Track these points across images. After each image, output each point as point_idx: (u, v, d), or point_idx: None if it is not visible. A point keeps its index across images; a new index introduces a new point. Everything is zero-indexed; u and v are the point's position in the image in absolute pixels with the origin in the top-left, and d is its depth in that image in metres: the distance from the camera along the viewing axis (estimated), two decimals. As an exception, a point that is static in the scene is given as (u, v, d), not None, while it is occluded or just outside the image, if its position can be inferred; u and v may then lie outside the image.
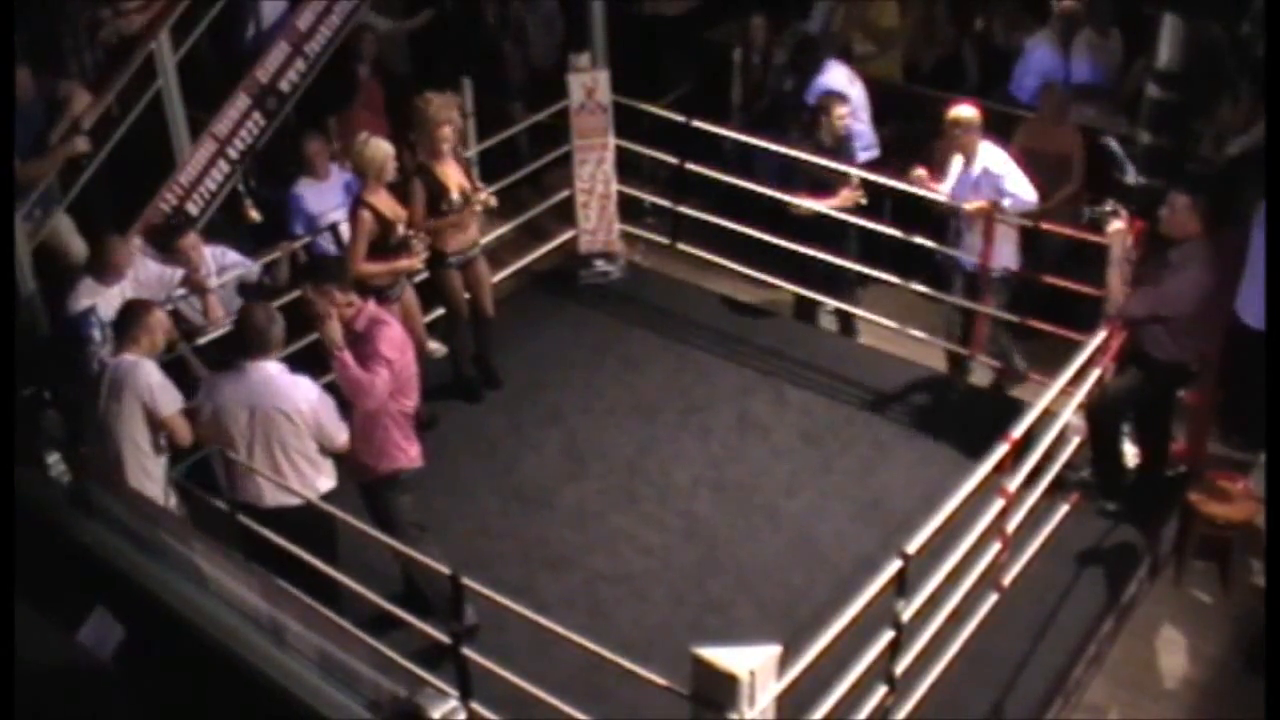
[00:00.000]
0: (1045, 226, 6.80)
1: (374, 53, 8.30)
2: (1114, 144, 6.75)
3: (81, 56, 7.26)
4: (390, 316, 5.69)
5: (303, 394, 5.30)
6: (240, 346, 5.36)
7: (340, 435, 5.41)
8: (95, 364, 5.51)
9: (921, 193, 7.03)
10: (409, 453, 5.60)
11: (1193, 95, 6.34)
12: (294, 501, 5.34)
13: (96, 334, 6.00)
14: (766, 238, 7.77)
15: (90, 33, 7.26)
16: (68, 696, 4.18)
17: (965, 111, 6.80)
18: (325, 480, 5.46)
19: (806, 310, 8.01)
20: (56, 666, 4.29)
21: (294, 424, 5.25)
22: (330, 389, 5.53)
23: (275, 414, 5.23)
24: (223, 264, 6.74)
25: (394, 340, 5.44)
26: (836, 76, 8.10)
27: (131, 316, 5.50)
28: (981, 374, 7.34)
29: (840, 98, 7.57)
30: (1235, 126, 7.31)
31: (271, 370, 5.30)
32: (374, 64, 8.36)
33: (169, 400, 5.41)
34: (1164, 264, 5.93)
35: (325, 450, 5.42)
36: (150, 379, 5.37)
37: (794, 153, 7.52)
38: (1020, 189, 6.69)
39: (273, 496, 5.36)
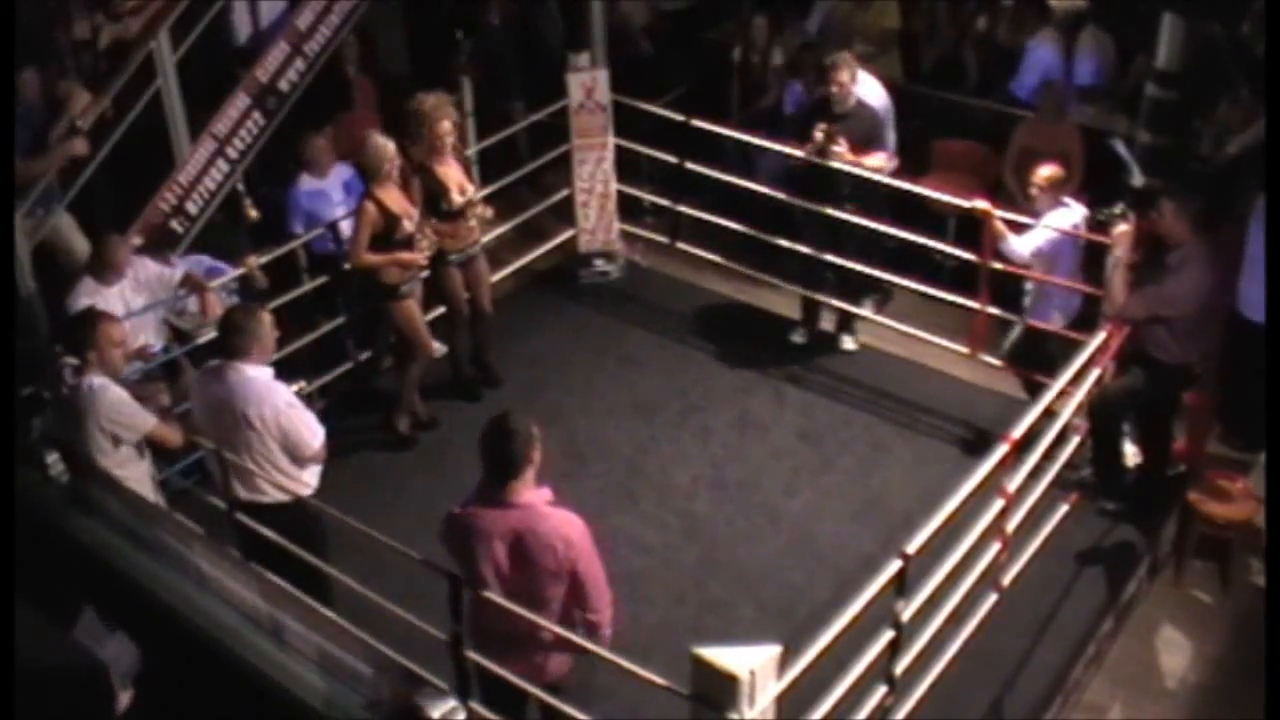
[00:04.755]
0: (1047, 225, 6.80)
1: (358, 54, 8.30)
2: (1120, 146, 6.73)
3: (80, 56, 7.26)
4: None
5: (271, 401, 5.15)
6: (221, 347, 5.31)
7: (313, 442, 5.26)
8: (62, 385, 5.31)
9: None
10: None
11: (1193, 95, 6.34)
12: (265, 499, 5.30)
13: None
14: (765, 238, 7.78)
15: (89, 33, 7.26)
16: (67, 695, 4.17)
17: (1047, 171, 6.68)
18: (298, 484, 5.33)
19: (811, 314, 7.88)
20: (56, 666, 4.29)
21: (256, 429, 5.15)
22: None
23: (240, 417, 5.14)
24: (200, 273, 6.70)
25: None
26: (865, 84, 7.78)
27: (81, 333, 5.26)
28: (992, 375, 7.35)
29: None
30: (1235, 126, 7.31)
31: (248, 373, 5.17)
32: (361, 64, 8.38)
33: (140, 419, 5.29)
34: (1163, 266, 5.94)
35: (297, 460, 5.29)
36: (114, 408, 5.18)
37: (794, 152, 7.51)
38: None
39: (246, 492, 5.32)
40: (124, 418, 5.23)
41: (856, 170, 7.24)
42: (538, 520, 4.36)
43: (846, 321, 7.80)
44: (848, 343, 7.78)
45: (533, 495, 4.42)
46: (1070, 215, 6.56)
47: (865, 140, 7.27)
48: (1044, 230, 6.53)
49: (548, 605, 4.48)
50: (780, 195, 7.67)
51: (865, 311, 7.79)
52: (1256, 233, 6.20)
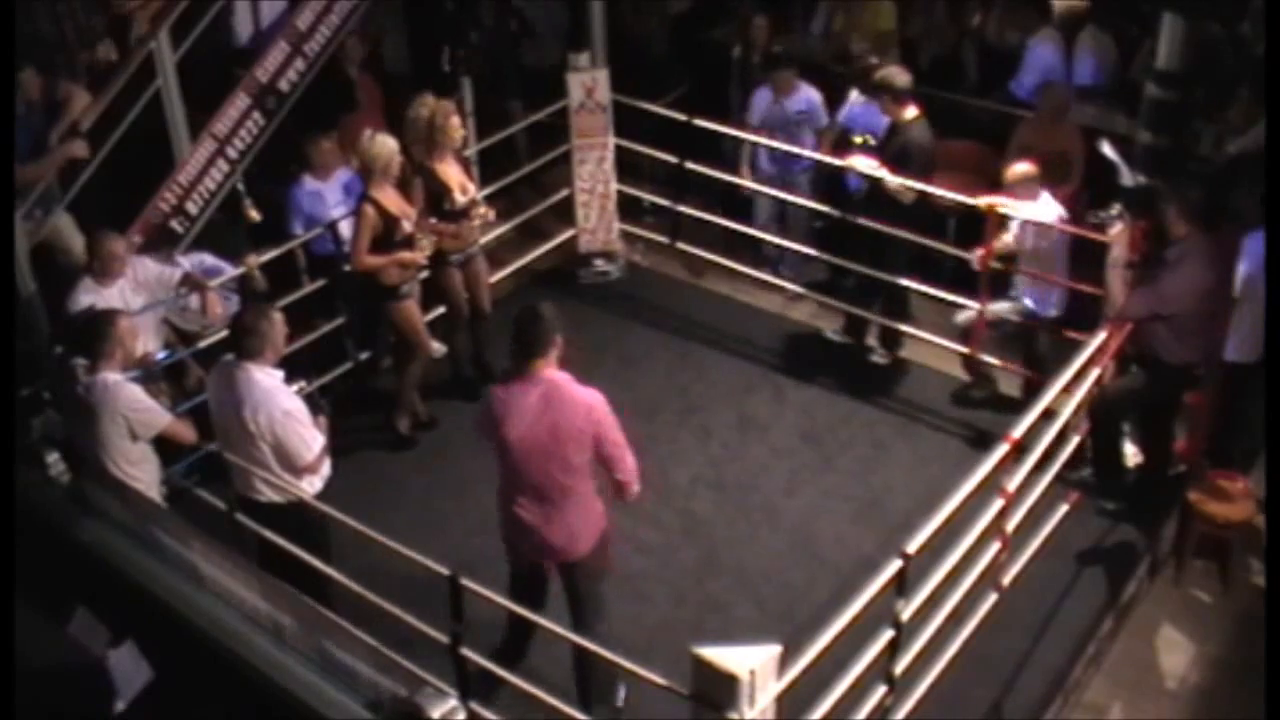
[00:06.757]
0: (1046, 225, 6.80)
1: (361, 54, 8.30)
2: (1107, 148, 6.73)
3: (77, 57, 7.26)
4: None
5: (269, 407, 5.13)
6: (234, 347, 5.32)
7: (306, 455, 5.23)
8: (76, 384, 5.33)
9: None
10: None
11: (1193, 95, 6.35)
12: (260, 499, 5.30)
13: None
14: (766, 238, 7.77)
15: (90, 34, 7.27)
16: (67, 694, 4.18)
17: (1018, 168, 6.71)
18: (293, 487, 5.31)
19: (857, 329, 7.76)
20: (56, 665, 4.29)
21: (250, 432, 5.15)
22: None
23: (238, 417, 5.15)
24: (201, 270, 6.70)
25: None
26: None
27: (98, 332, 5.31)
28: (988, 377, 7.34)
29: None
30: (1235, 126, 7.31)
31: (254, 375, 5.16)
32: (363, 64, 8.37)
33: (156, 416, 5.33)
34: (1161, 263, 5.94)
35: (289, 468, 5.26)
36: (131, 403, 5.26)
37: (801, 153, 7.51)
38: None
39: (244, 490, 5.31)
40: (142, 412, 5.29)
41: (873, 174, 7.15)
42: (561, 388, 4.78)
43: (891, 336, 7.62)
44: (879, 356, 7.66)
45: (555, 374, 4.81)
46: (1045, 208, 6.58)
47: (895, 160, 7.09)
48: (1020, 219, 6.58)
49: (577, 470, 4.82)
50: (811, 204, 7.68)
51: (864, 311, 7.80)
52: (1242, 274, 6.22)
